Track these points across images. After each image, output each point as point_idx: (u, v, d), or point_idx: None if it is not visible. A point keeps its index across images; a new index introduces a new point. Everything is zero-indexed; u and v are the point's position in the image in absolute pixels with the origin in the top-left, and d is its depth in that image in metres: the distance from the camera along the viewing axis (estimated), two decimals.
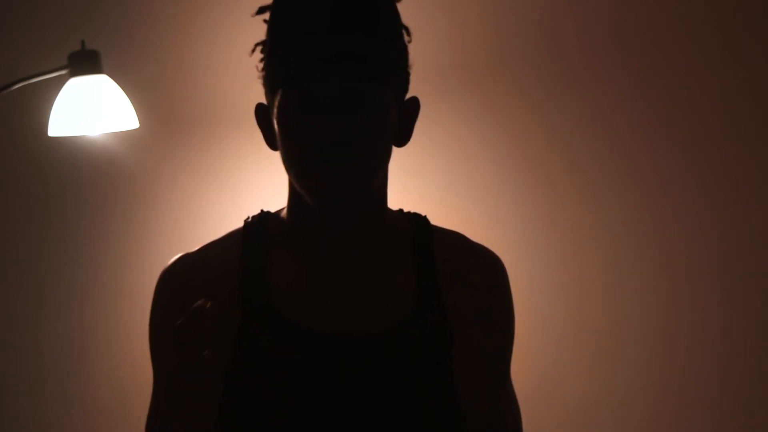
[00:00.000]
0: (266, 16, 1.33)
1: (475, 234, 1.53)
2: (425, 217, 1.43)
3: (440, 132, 2.48)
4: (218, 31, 2.66)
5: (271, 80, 1.30)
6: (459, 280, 1.24)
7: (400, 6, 1.34)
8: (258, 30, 1.40)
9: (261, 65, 1.34)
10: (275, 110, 1.29)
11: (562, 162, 2.48)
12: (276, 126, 1.30)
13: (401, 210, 1.44)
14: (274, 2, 1.31)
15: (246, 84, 2.66)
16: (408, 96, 1.36)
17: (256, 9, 1.37)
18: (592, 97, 2.45)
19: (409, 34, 1.34)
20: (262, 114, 1.36)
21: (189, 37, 2.70)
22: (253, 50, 1.36)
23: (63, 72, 2.40)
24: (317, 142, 1.24)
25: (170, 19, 2.71)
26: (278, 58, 1.28)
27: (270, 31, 1.31)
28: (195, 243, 1.43)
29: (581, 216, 2.48)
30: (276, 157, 1.34)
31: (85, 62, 2.39)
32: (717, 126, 2.39)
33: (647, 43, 2.42)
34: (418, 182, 2.50)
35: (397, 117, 1.31)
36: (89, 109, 2.39)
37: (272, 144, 1.35)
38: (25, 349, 2.90)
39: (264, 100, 1.35)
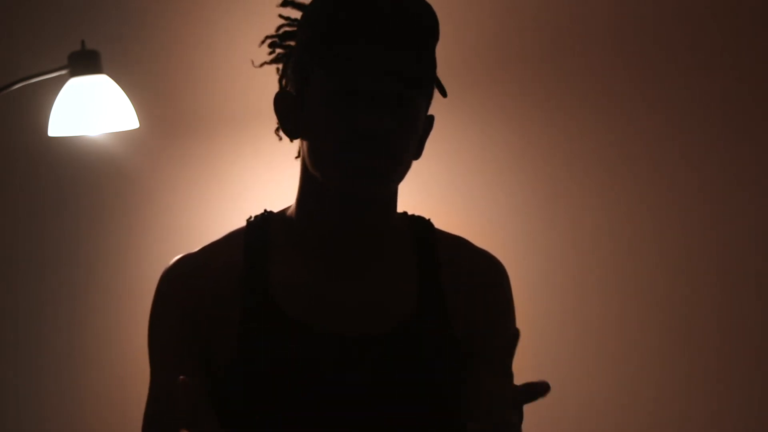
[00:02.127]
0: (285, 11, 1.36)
1: (475, 233, 1.53)
2: (429, 220, 1.44)
3: (440, 132, 2.47)
4: (218, 31, 2.66)
5: (311, 64, 1.29)
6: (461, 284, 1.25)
7: None
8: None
9: (279, 51, 1.37)
10: (317, 94, 1.28)
11: (563, 161, 2.48)
12: (311, 110, 1.29)
13: (405, 212, 1.44)
14: None
15: (246, 84, 2.67)
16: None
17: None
18: (593, 97, 2.45)
19: None
20: (284, 102, 1.35)
21: (189, 37, 2.70)
22: (273, 41, 1.38)
23: (63, 72, 2.40)
24: (361, 131, 1.25)
25: (170, 19, 2.71)
26: (333, 49, 1.27)
27: (318, 20, 1.30)
28: (195, 242, 1.43)
29: (582, 216, 2.48)
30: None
31: (85, 62, 2.39)
32: (717, 125, 2.39)
33: (648, 42, 2.42)
34: (418, 182, 2.50)
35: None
36: (89, 109, 2.39)
37: (291, 132, 1.35)
38: (25, 349, 2.90)
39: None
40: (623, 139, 2.44)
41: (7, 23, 2.82)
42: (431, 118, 1.39)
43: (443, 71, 1.43)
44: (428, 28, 1.32)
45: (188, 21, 2.69)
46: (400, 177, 1.32)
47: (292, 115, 1.34)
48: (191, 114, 2.70)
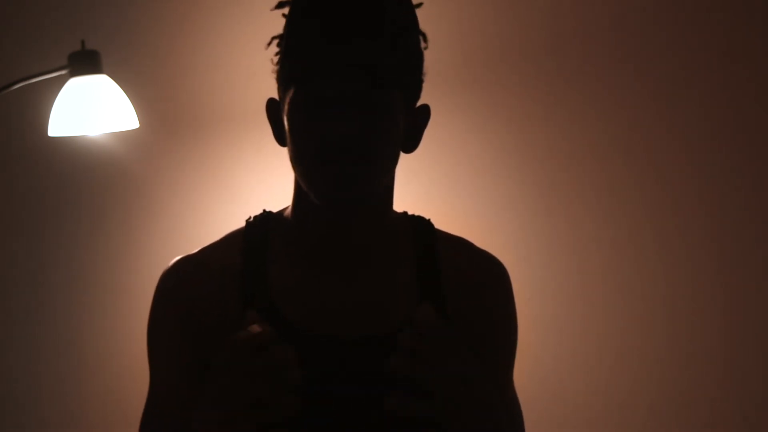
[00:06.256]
0: (285, 10, 1.32)
1: (474, 235, 1.53)
2: (429, 220, 1.43)
3: (440, 132, 2.48)
4: (218, 31, 2.66)
5: (284, 77, 1.29)
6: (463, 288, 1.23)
7: None
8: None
9: (275, 59, 1.33)
10: (286, 106, 1.29)
11: (564, 162, 2.48)
12: (286, 122, 1.29)
13: (405, 212, 1.44)
14: (293, 1, 1.30)
15: (246, 84, 2.67)
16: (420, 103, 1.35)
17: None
18: (594, 96, 2.45)
19: (425, 40, 1.33)
20: (273, 109, 1.35)
21: (189, 37, 2.70)
22: (269, 43, 1.35)
23: (63, 72, 2.40)
24: (326, 140, 1.24)
25: (170, 18, 2.71)
26: (292, 57, 1.27)
27: (286, 28, 1.30)
28: (195, 243, 1.43)
29: (582, 215, 2.48)
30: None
31: (85, 62, 2.39)
32: (719, 124, 2.39)
33: (648, 39, 2.42)
34: (418, 183, 2.50)
35: (405, 122, 1.30)
36: (89, 109, 2.39)
37: (281, 139, 1.35)
38: (24, 349, 2.89)
39: (276, 95, 1.34)
40: (624, 138, 2.44)
41: (7, 23, 2.81)
42: (424, 108, 1.35)
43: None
44: (381, 15, 1.24)
45: (188, 21, 2.69)
46: (380, 176, 1.30)
47: (279, 122, 1.33)
48: (191, 114, 2.70)
